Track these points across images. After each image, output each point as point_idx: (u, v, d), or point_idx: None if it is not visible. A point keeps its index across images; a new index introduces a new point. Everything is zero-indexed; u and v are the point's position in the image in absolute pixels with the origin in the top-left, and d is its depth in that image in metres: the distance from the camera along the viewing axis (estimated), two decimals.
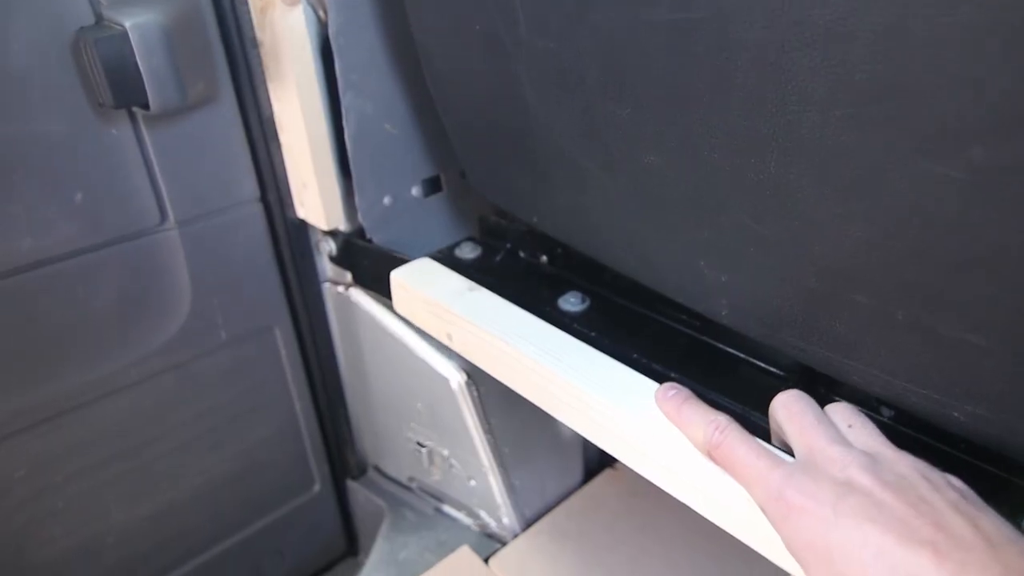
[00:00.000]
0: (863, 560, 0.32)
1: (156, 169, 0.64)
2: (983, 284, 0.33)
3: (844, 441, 0.38)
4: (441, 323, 0.63)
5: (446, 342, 0.64)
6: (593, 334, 0.59)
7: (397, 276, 0.67)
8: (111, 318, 0.68)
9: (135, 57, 0.55)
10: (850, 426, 0.40)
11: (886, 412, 0.48)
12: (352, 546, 1.03)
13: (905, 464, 0.36)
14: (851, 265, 0.37)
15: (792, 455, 0.40)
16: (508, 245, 0.74)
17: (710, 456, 0.42)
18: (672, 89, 0.40)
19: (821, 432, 0.38)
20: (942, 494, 0.34)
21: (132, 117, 0.61)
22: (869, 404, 0.48)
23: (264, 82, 0.67)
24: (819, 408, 0.41)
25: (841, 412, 0.41)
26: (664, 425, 0.46)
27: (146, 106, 0.57)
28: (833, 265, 0.38)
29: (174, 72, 0.56)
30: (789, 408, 0.41)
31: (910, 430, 0.47)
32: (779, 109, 0.35)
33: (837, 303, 0.39)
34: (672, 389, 0.47)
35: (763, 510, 0.39)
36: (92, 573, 0.77)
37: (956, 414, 0.38)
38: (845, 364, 0.42)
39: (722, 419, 0.42)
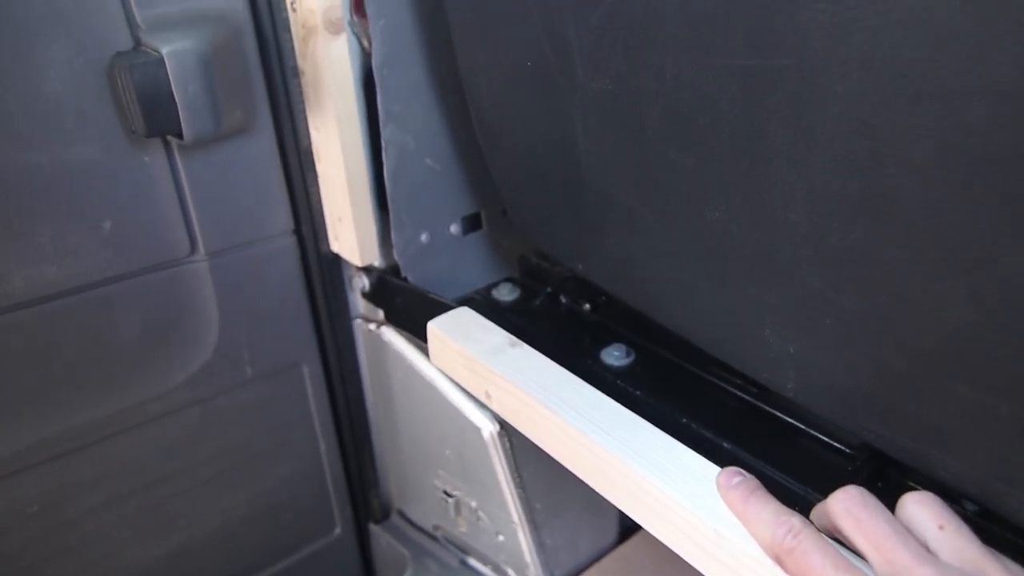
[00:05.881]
0: None
1: (188, 199, 0.62)
2: None
3: (933, 559, 0.33)
4: (480, 380, 0.59)
5: (484, 400, 0.60)
6: (637, 393, 0.55)
7: (435, 328, 0.63)
8: (135, 350, 0.65)
9: (170, 85, 0.53)
10: (941, 527, 0.34)
11: (970, 506, 0.43)
12: None
13: None
14: (950, 350, 0.32)
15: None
16: (549, 289, 0.70)
17: (778, 560, 0.37)
18: (744, 141, 0.36)
19: (901, 546, 0.33)
20: None
21: (166, 145, 0.59)
22: (949, 495, 0.43)
23: (303, 112, 0.65)
24: (889, 513, 0.35)
25: (927, 509, 0.35)
26: (726, 516, 0.41)
27: (180, 135, 0.55)
28: (927, 348, 0.33)
29: (210, 101, 0.54)
30: (856, 516, 0.35)
31: (997, 527, 0.42)
32: (872, 170, 0.31)
33: (929, 390, 0.34)
34: (737, 475, 0.42)
35: None
36: None
37: None
38: (932, 456, 0.37)
39: (796, 521, 0.37)
